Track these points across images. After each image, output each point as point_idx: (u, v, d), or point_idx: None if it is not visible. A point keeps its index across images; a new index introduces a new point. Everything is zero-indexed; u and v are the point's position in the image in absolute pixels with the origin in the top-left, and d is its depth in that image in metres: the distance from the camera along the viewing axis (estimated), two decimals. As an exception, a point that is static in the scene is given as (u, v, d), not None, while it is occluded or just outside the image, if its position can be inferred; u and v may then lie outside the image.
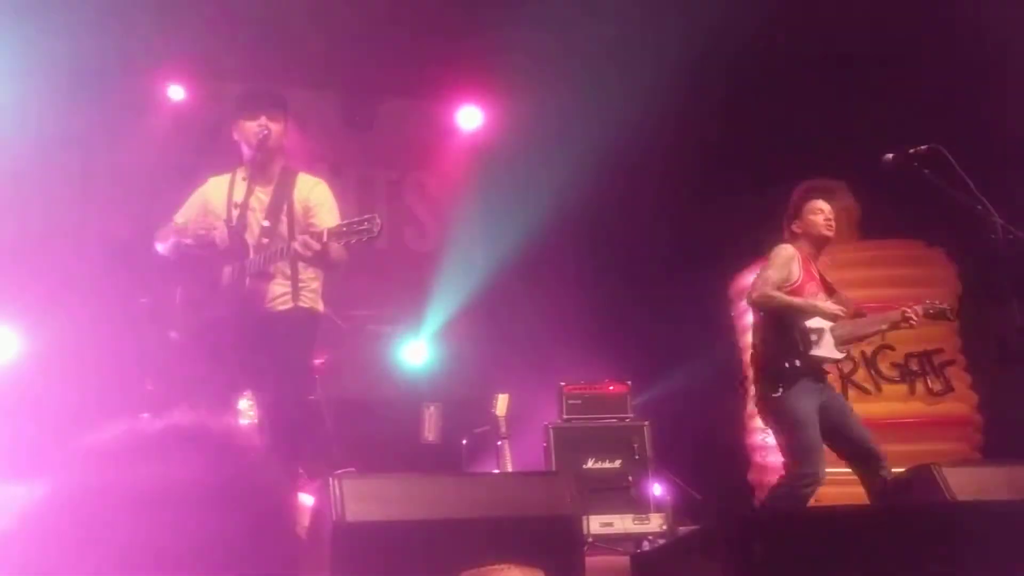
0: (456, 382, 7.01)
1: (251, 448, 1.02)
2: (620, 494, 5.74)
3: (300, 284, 3.95)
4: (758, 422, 6.70)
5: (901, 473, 4.09)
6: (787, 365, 4.44)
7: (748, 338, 6.69)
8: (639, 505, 5.71)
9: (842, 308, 4.54)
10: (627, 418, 6.01)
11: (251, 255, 3.83)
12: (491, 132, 7.77)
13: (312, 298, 4.03)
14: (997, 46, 5.50)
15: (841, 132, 5.90)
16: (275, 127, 3.96)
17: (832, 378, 6.20)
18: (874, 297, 6.38)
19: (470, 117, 7.78)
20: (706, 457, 6.55)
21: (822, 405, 4.44)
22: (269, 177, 4.03)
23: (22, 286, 6.25)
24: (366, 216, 3.61)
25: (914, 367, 6.32)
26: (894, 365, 6.32)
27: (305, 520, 2.82)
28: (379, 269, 6.46)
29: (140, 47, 6.43)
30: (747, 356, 6.79)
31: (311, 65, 6.77)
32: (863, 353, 6.31)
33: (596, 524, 5.45)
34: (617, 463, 5.82)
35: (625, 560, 4.61)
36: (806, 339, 4.45)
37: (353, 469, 4.88)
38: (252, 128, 3.92)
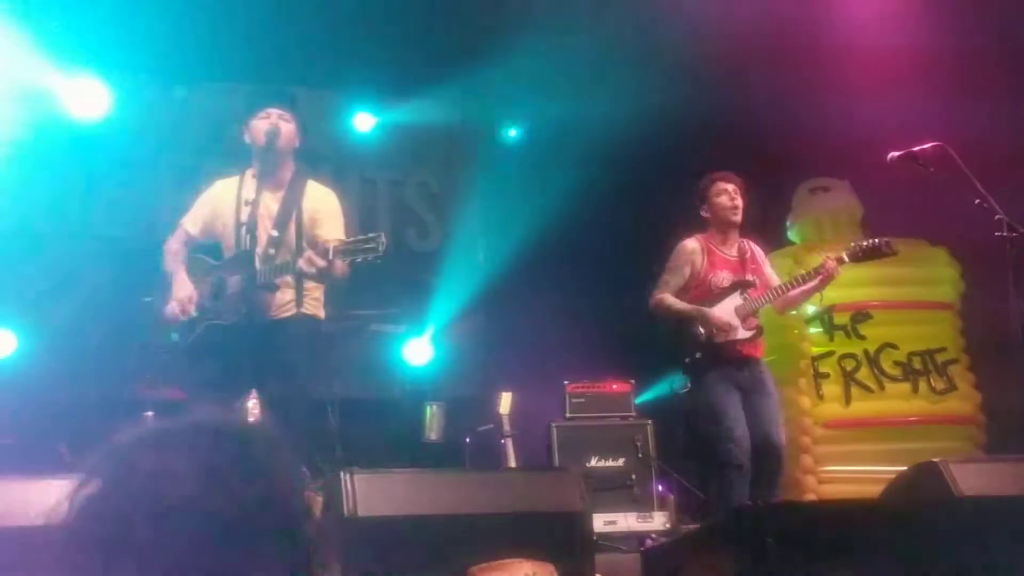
0: (459, 381, 7.02)
1: (273, 441, 1.04)
2: (623, 492, 5.74)
3: (304, 292, 3.98)
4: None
5: (906, 470, 4.10)
6: (688, 360, 4.50)
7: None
8: (642, 503, 5.72)
9: (729, 322, 4.50)
10: (630, 417, 6.02)
11: (257, 265, 3.84)
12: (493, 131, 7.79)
13: (315, 305, 4.07)
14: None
15: (845, 130, 5.91)
16: (285, 126, 3.96)
17: (835, 375, 6.26)
18: (876, 296, 6.41)
19: (476, 117, 7.78)
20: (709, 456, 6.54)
21: (745, 392, 4.47)
22: (279, 182, 4.03)
23: (24, 285, 6.27)
24: (371, 235, 3.62)
25: (917, 365, 6.33)
26: (897, 363, 6.32)
27: (316, 510, 2.83)
28: (381, 269, 6.47)
29: (144, 46, 6.43)
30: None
31: (314, 64, 6.77)
32: (866, 351, 6.33)
33: (600, 522, 5.43)
34: (620, 462, 5.82)
35: (630, 558, 4.63)
36: (708, 328, 4.51)
37: (357, 468, 4.89)
38: (262, 127, 3.92)
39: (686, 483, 6.04)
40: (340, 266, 3.76)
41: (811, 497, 5.94)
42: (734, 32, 5.93)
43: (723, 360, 4.50)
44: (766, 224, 4.87)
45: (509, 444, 5.67)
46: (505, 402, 5.79)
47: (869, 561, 2.62)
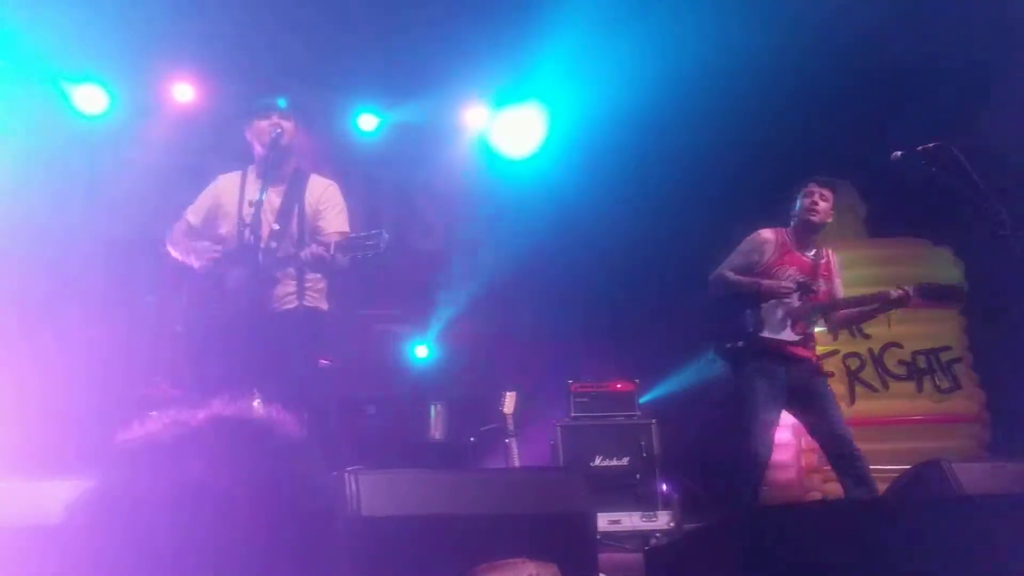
0: (463, 380, 7.02)
1: (291, 436, 1.04)
2: (627, 491, 5.75)
3: (306, 284, 3.99)
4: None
5: (909, 469, 4.10)
6: (729, 345, 4.47)
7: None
8: (647, 502, 5.73)
9: (787, 284, 4.46)
10: (634, 416, 6.03)
11: (260, 258, 3.85)
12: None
13: (317, 297, 4.07)
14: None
15: (848, 131, 5.90)
16: (287, 125, 4.00)
17: (839, 375, 6.25)
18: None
19: (477, 117, 7.77)
20: (713, 454, 6.55)
21: (793, 391, 4.42)
22: (281, 177, 4.06)
23: (28, 283, 6.28)
24: (373, 231, 3.63)
25: (922, 364, 6.33)
26: (901, 363, 6.33)
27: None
28: (386, 268, 6.49)
29: (147, 46, 6.44)
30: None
31: (318, 64, 6.78)
32: (871, 350, 6.33)
33: (604, 521, 5.46)
34: (624, 461, 5.83)
35: (634, 557, 4.63)
36: (757, 321, 4.44)
37: (361, 467, 4.90)
38: (265, 127, 3.95)
39: (690, 482, 6.05)
40: (343, 260, 3.79)
41: (815, 496, 5.95)
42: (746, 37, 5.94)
43: (766, 354, 4.42)
44: (772, 222, 4.83)
45: (513, 444, 5.68)
46: (509, 401, 5.80)
47: (872, 561, 2.62)
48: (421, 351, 7.16)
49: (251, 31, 6.34)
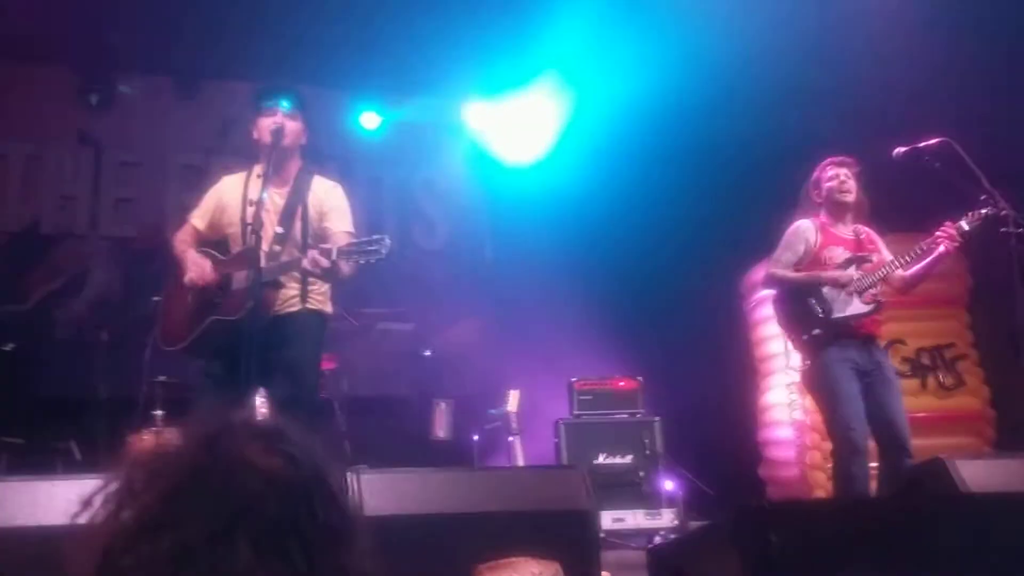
0: (467, 379, 7.03)
1: (307, 439, 1.04)
2: (631, 489, 5.75)
3: (310, 287, 3.99)
4: (769, 416, 6.73)
5: (912, 467, 4.09)
6: (806, 337, 4.41)
7: (760, 331, 6.72)
8: (650, 500, 5.73)
9: (848, 274, 4.38)
10: (638, 413, 6.03)
11: (263, 263, 3.85)
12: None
13: (321, 300, 4.06)
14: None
15: (851, 125, 5.89)
16: (291, 124, 3.98)
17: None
18: (882, 292, 6.39)
19: (480, 116, 7.78)
20: (717, 452, 6.56)
21: (864, 374, 4.32)
22: (285, 178, 4.04)
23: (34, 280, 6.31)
24: (375, 236, 3.62)
25: (925, 361, 6.31)
26: (905, 359, 6.30)
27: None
28: (388, 267, 6.49)
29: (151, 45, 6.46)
30: (760, 350, 6.81)
31: (321, 63, 6.79)
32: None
33: (608, 519, 5.46)
34: (628, 458, 5.83)
35: (638, 555, 4.63)
36: (824, 304, 4.39)
37: (365, 466, 4.91)
38: (268, 124, 3.94)
39: (694, 480, 6.05)
40: (345, 267, 3.78)
41: (820, 494, 5.94)
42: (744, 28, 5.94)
43: (840, 337, 4.33)
44: (776, 217, 4.80)
45: (517, 442, 5.68)
46: (513, 400, 5.81)
47: (875, 558, 2.62)
48: (424, 349, 7.17)
49: (252, 28, 6.35)
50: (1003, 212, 4.04)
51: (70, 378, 6.22)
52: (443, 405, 6.65)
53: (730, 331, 7.08)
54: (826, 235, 4.51)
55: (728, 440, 6.84)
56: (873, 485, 4.32)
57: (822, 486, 6.13)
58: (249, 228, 3.85)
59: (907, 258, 4.41)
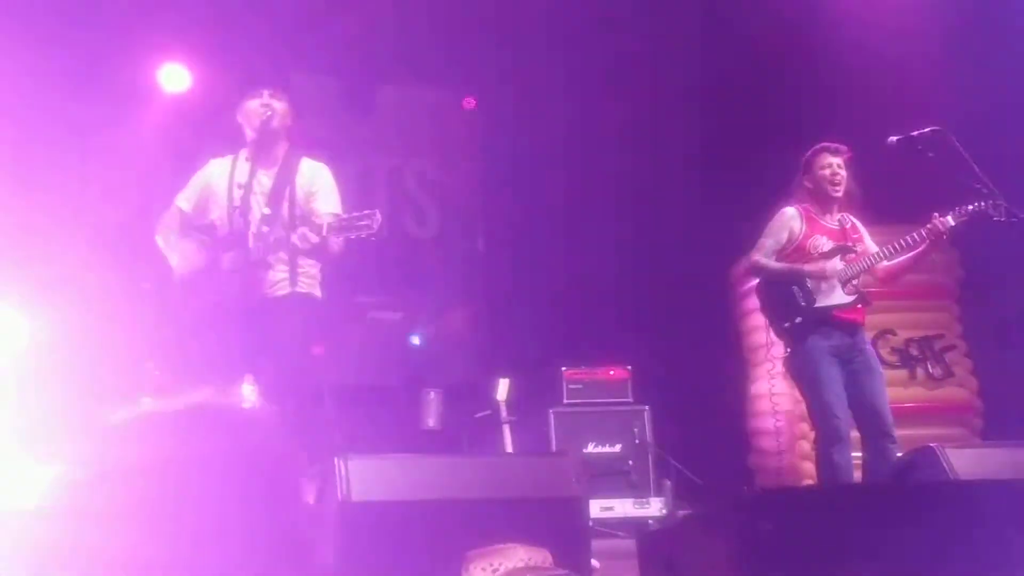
0: (457, 367, 7.02)
1: (266, 423, 1.03)
2: (620, 478, 5.77)
3: (299, 270, 3.97)
4: (758, 406, 6.73)
5: (903, 455, 4.10)
6: (787, 324, 4.43)
7: (750, 321, 6.71)
8: (639, 489, 5.74)
9: (826, 266, 4.39)
10: (628, 402, 6.04)
11: (251, 243, 3.83)
12: (488, 115, 7.76)
13: (310, 283, 4.04)
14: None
15: (842, 115, 5.88)
16: (279, 106, 3.97)
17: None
18: (864, 283, 6.39)
19: (469, 100, 7.74)
20: (707, 441, 6.56)
21: (846, 362, 4.33)
22: (272, 160, 4.03)
23: (25, 271, 6.25)
24: (366, 212, 3.61)
25: (914, 352, 6.32)
26: (894, 350, 6.31)
27: (311, 495, 2.83)
28: (379, 255, 6.47)
29: (141, 30, 6.40)
30: (749, 339, 6.81)
31: (312, 49, 6.75)
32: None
33: (596, 508, 5.47)
34: (617, 447, 5.85)
35: (627, 544, 4.63)
36: (807, 293, 4.40)
37: (351, 453, 4.90)
38: (255, 108, 3.93)
39: (683, 469, 6.06)
40: (335, 242, 3.76)
41: (808, 483, 5.95)
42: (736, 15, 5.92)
43: (823, 325, 4.34)
44: (766, 206, 4.79)
45: (507, 430, 5.68)
46: (503, 388, 5.80)
47: (865, 546, 2.62)
48: (415, 338, 7.15)
49: (244, 13, 6.30)
50: (994, 204, 4.03)
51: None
52: (433, 395, 6.63)
53: (720, 321, 7.07)
54: (811, 224, 4.51)
55: (718, 429, 6.85)
56: (858, 475, 4.33)
57: (811, 476, 6.14)
58: (237, 211, 3.82)
59: (891, 249, 4.42)
